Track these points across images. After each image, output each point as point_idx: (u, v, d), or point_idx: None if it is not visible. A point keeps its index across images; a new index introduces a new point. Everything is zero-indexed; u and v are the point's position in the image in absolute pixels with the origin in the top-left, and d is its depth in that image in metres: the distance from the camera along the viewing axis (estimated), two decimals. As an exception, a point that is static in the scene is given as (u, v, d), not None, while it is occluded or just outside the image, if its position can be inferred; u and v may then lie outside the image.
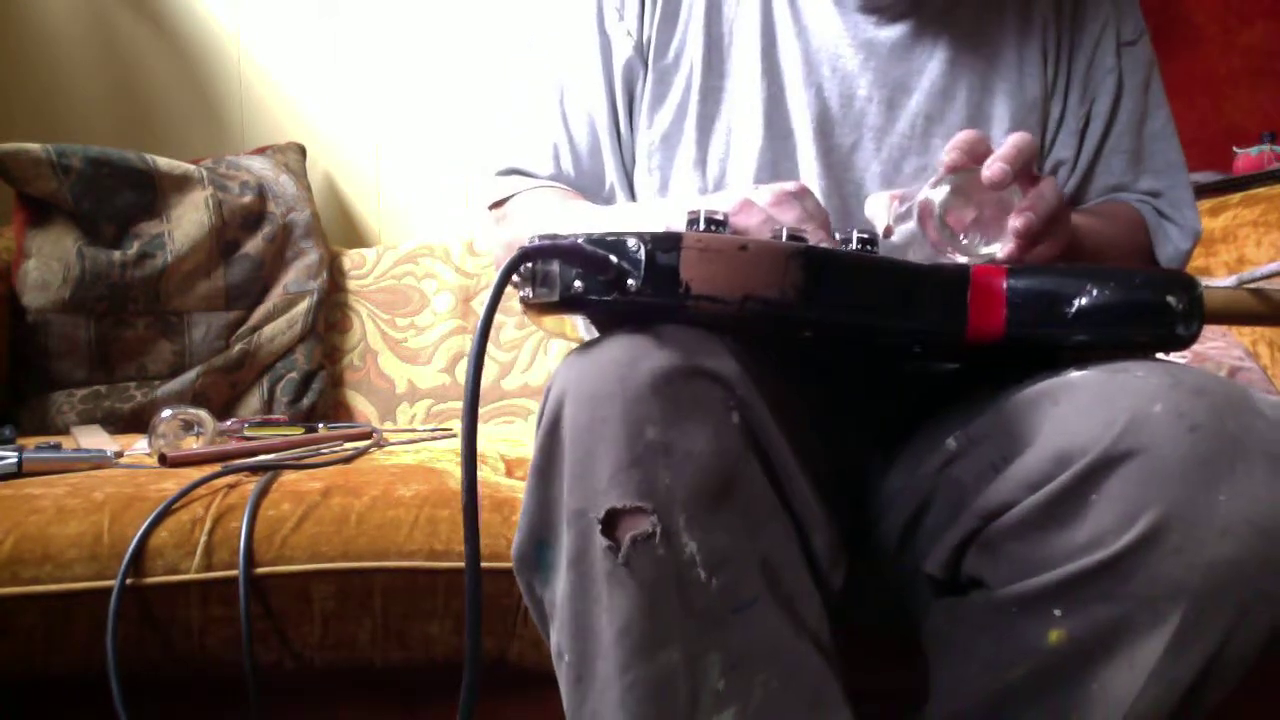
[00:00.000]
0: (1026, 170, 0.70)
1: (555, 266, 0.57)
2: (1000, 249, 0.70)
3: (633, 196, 0.96)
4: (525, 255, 0.56)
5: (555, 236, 0.57)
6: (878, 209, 0.76)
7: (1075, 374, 0.62)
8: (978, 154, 0.70)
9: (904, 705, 0.71)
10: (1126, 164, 0.97)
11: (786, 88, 0.91)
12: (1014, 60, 0.93)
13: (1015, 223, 0.69)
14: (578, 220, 0.88)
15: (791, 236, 0.61)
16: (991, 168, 0.68)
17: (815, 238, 0.64)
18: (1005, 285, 0.63)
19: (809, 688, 0.60)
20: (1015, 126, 0.91)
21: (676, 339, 0.58)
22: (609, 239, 0.55)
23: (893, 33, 0.91)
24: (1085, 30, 0.95)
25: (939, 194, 0.70)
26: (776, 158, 0.90)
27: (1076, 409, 0.60)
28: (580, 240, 0.56)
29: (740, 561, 0.58)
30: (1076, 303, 0.62)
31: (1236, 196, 1.70)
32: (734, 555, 0.58)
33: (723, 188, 0.92)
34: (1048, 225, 0.70)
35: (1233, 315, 0.70)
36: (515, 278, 0.59)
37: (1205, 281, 0.70)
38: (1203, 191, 1.82)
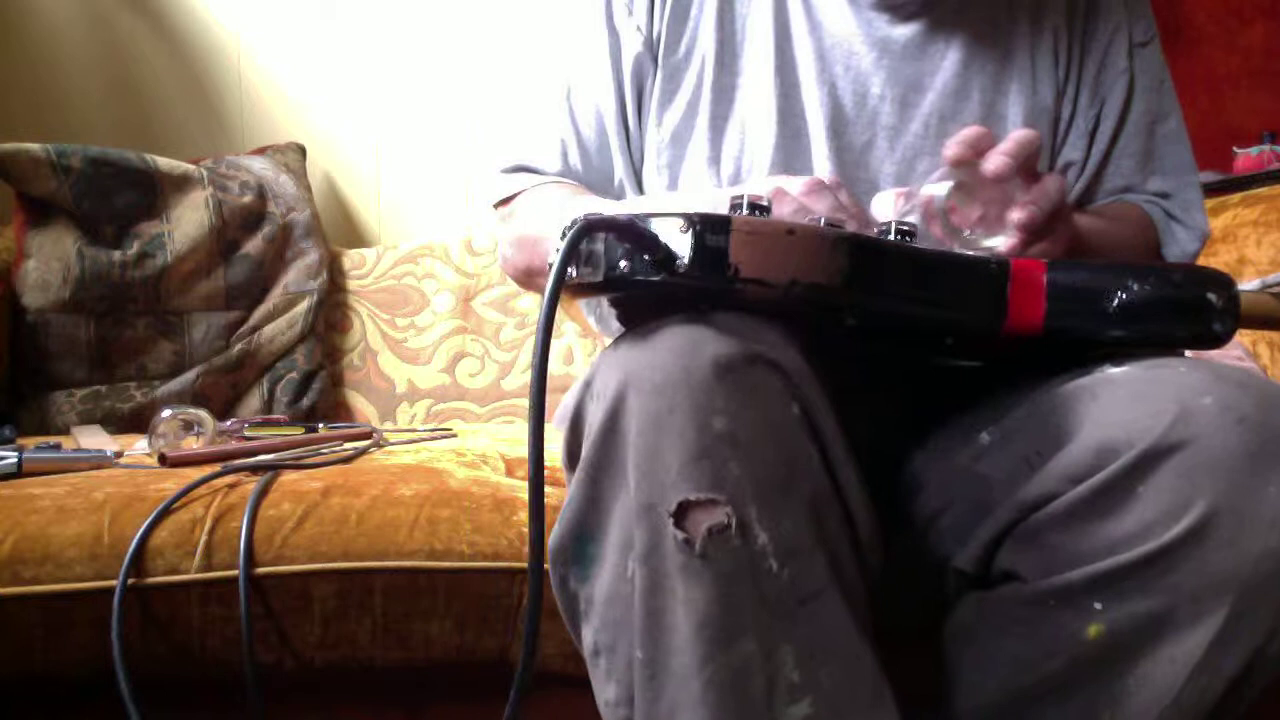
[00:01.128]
0: (1029, 165, 0.70)
1: (600, 245, 0.56)
2: (1003, 242, 0.70)
3: (641, 193, 0.96)
4: (589, 227, 0.55)
5: (604, 216, 0.56)
6: (883, 207, 0.76)
7: (1113, 370, 0.63)
8: (981, 149, 0.70)
9: (918, 700, 0.71)
10: (1136, 165, 0.97)
11: (800, 85, 0.91)
12: (1026, 60, 0.93)
13: (1017, 215, 0.69)
14: (610, 209, 0.88)
15: (828, 225, 0.61)
16: (993, 160, 0.68)
17: (850, 228, 0.64)
18: (1045, 279, 0.63)
19: (869, 680, 0.59)
20: (1027, 126, 0.90)
21: (733, 326, 0.58)
22: (656, 218, 0.55)
23: (906, 31, 0.91)
24: (1097, 32, 0.95)
25: (941, 189, 0.71)
26: (789, 156, 0.90)
27: (1119, 403, 0.60)
28: (633, 217, 0.55)
29: (807, 553, 0.58)
30: (1117, 298, 0.62)
31: (1236, 196, 1.70)
32: (801, 546, 0.57)
33: (738, 185, 0.91)
34: (1050, 220, 0.70)
35: (1256, 319, 0.70)
36: (551, 257, 0.59)
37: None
38: (1202, 191, 1.82)
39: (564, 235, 0.57)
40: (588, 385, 0.64)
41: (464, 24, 1.98)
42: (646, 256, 0.55)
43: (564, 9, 0.99)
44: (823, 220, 0.61)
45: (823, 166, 0.89)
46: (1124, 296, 0.62)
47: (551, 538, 0.64)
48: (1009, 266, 0.63)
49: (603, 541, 0.60)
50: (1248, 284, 0.70)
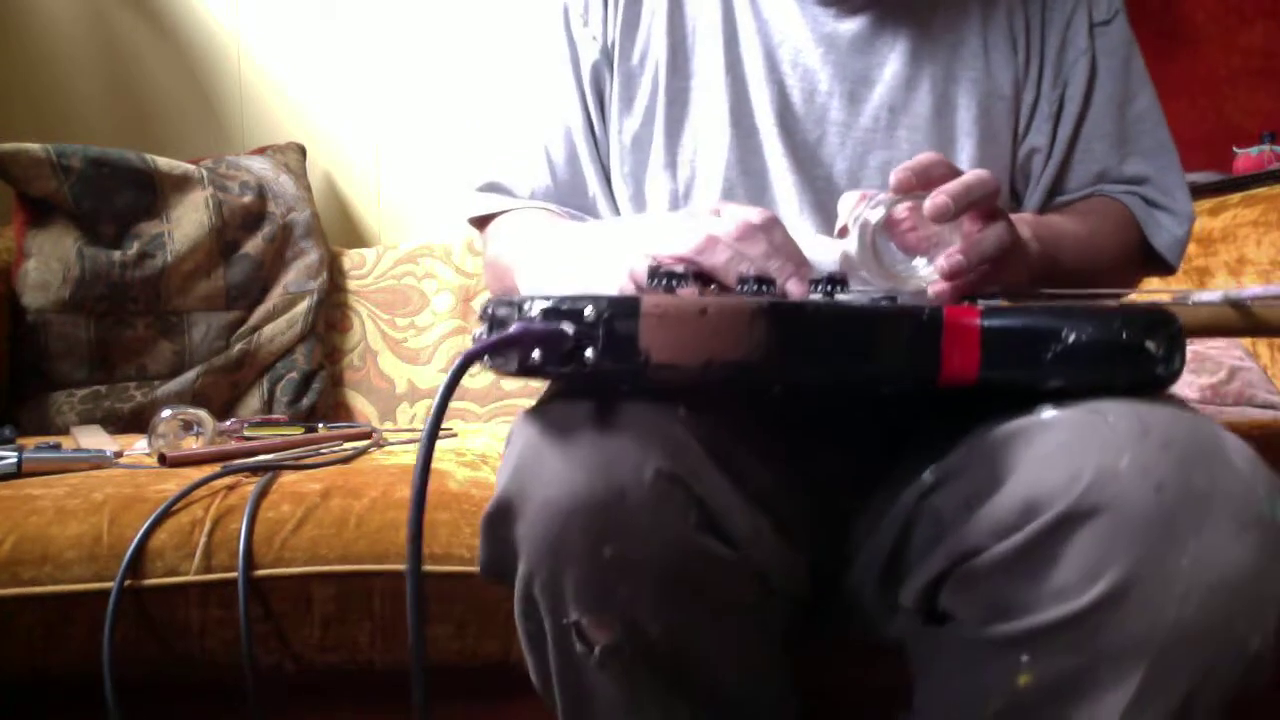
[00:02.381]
0: (983, 205, 0.68)
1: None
2: (930, 281, 0.68)
3: (614, 201, 0.95)
4: (470, 358, 0.54)
5: (510, 302, 0.55)
6: (843, 208, 0.75)
7: (1049, 414, 0.61)
8: (931, 176, 0.68)
9: (893, 703, 0.71)
10: (1109, 147, 0.95)
11: (749, 85, 0.91)
12: (979, 48, 0.91)
13: (942, 263, 0.67)
14: (552, 252, 0.85)
15: (760, 278, 0.60)
16: (934, 199, 0.66)
17: (784, 274, 0.64)
18: (979, 328, 0.61)
19: None
20: (981, 115, 0.91)
21: (631, 438, 0.58)
22: (564, 307, 0.53)
23: (853, 25, 0.91)
24: (1055, 12, 0.93)
25: (876, 215, 0.69)
26: (744, 155, 0.90)
27: (1046, 454, 0.59)
28: (534, 313, 0.54)
29: (699, 637, 0.62)
30: (1053, 346, 0.60)
31: (1236, 196, 1.70)
32: (693, 634, 0.62)
33: (693, 189, 0.91)
34: (983, 269, 0.68)
35: (1216, 330, 0.69)
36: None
37: (1193, 296, 0.68)
38: (1203, 191, 1.82)
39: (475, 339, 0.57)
40: (509, 442, 0.67)
41: (464, 24, 1.98)
42: (557, 349, 0.54)
43: (530, 21, 0.98)
44: (752, 272, 0.61)
45: (778, 164, 0.89)
46: (1060, 346, 0.60)
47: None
48: (941, 316, 0.61)
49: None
50: (1210, 294, 0.69)
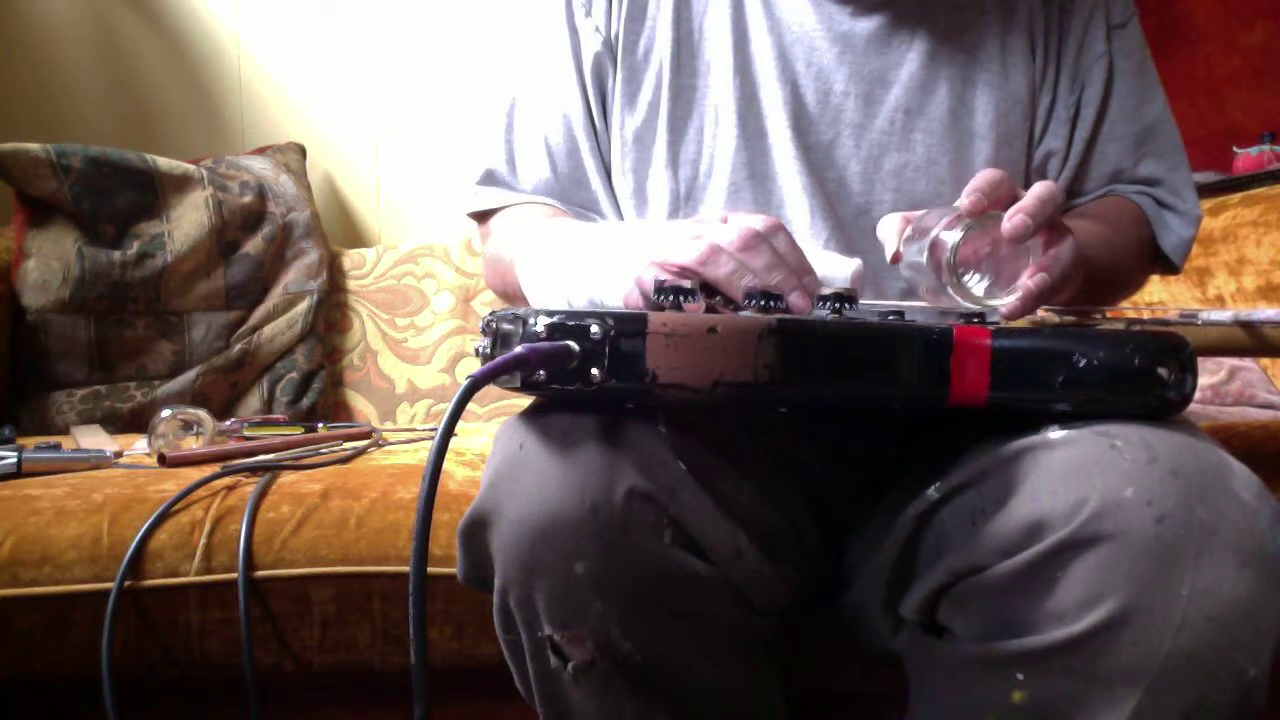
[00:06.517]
0: (1050, 221, 0.68)
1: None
2: (1005, 302, 0.68)
3: (615, 197, 0.94)
4: (475, 384, 0.53)
5: (515, 317, 0.55)
6: (889, 232, 0.74)
7: (1057, 433, 0.61)
8: (999, 196, 0.67)
9: (888, 711, 0.72)
10: (1125, 149, 0.95)
11: (760, 84, 0.88)
12: (997, 50, 0.90)
13: (1029, 282, 0.67)
14: (555, 250, 0.82)
15: (765, 293, 0.59)
16: (1013, 220, 0.65)
17: (787, 286, 0.63)
18: (990, 349, 0.60)
19: None
20: (999, 119, 0.89)
21: (605, 455, 0.58)
22: (570, 323, 0.53)
23: (869, 24, 0.88)
24: (1074, 15, 0.93)
25: (953, 237, 0.68)
26: (752, 157, 0.88)
27: (1053, 476, 0.59)
28: (539, 328, 0.53)
29: (676, 652, 0.62)
30: (1064, 370, 0.60)
31: (1236, 196, 1.70)
32: (669, 649, 0.62)
33: (696, 190, 0.90)
34: (1060, 286, 0.68)
35: (1225, 350, 0.69)
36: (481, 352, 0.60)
37: (1203, 314, 0.68)
38: (1203, 192, 1.82)
39: (479, 357, 0.58)
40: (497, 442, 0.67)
41: (464, 24, 1.98)
42: (563, 366, 0.53)
43: (529, 11, 0.97)
44: (758, 288, 0.60)
45: (787, 167, 0.87)
46: (1071, 369, 0.59)
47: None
48: (951, 336, 0.60)
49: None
50: (1221, 313, 0.68)
